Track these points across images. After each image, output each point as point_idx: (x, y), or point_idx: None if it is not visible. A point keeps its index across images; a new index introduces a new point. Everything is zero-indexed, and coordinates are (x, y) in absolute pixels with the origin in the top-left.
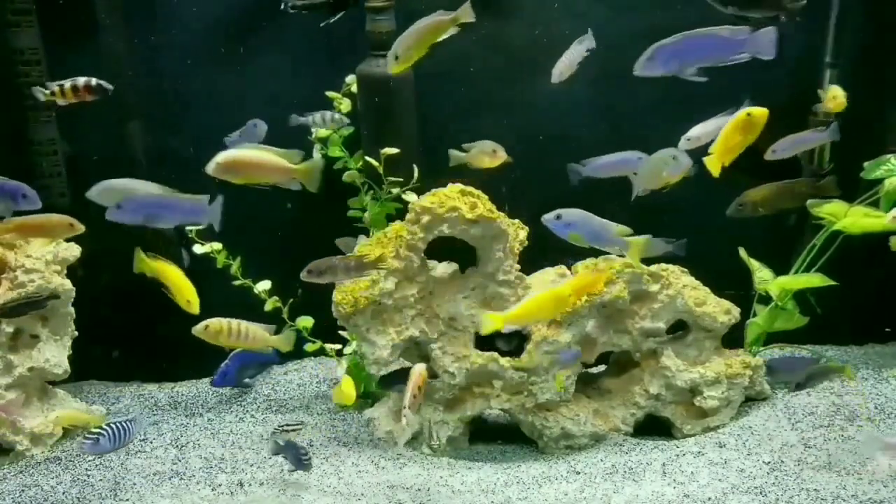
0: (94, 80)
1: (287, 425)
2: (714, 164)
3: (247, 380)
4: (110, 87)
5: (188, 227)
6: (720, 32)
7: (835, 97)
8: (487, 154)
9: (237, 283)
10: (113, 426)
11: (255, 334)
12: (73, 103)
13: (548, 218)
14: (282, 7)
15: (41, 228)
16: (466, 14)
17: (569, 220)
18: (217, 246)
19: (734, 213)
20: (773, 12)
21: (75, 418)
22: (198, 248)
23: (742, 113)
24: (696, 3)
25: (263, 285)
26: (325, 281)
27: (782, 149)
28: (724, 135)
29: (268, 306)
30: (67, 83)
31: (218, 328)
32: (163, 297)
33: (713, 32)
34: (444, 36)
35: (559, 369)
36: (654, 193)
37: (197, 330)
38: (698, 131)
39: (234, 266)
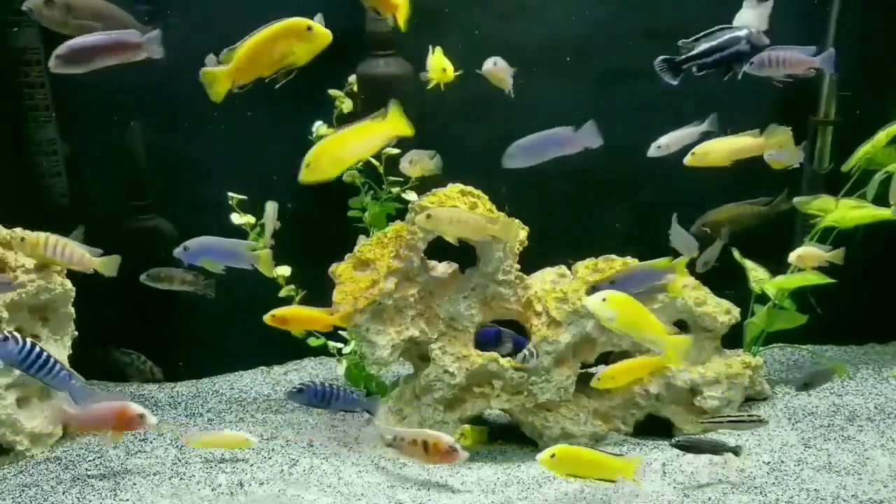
0: None
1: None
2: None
3: None
4: None
5: (229, 194)
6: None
7: None
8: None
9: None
10: (35, 349)
11: (74, 253)
12: None
13: (178, 251)
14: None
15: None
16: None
17: (196, 248)
18: (251, 219)
19: (697, 233)
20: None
21: (224, 442)
22: (235, 218)
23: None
24: (695, 3)
25: (283, 270)
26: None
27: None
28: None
29: (282, 293)
30: None
31: (35, 242)
32: (163, 298)
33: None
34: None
35: None
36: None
37: (16, 242)
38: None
39: (262, 243)
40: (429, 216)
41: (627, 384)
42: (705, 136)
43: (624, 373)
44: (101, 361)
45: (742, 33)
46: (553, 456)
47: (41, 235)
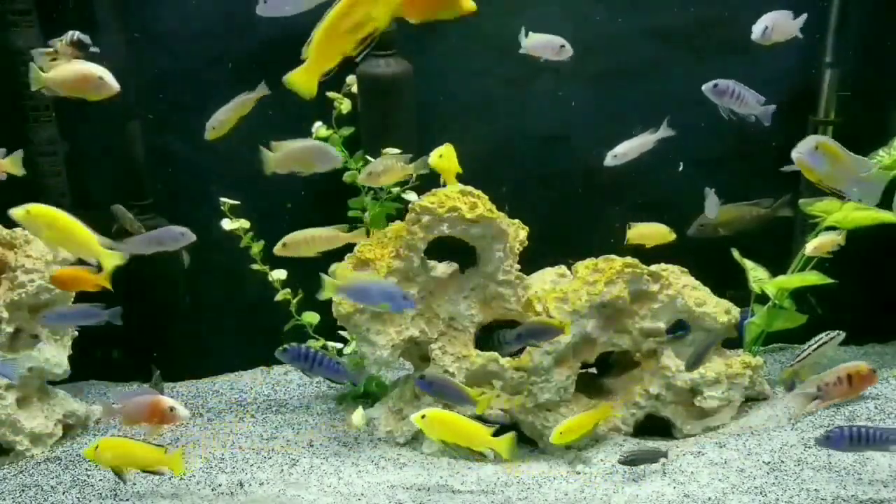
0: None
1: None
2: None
3: None
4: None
5: (221, 200)
6: None
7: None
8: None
9: (255, 266)
10: None
11: None
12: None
13: None
14: None
15: None
16: (263, 89)
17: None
18: (245, 224)
19: (695, 234)
20: None
21: None
22: (226, 224)
23: None
24: (694, 3)
25: (279, 273)
26: None
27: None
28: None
29: (279, 297)
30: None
31: None
32: (163, 298)
33: None
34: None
35: None
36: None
37: None
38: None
39: (256, 248)
40: (284, 244)
41: (584, 433)
42: (662, 142)
43: (577, 427)
44: (100, 361)
45: None
46: (424, 417)
47: None
